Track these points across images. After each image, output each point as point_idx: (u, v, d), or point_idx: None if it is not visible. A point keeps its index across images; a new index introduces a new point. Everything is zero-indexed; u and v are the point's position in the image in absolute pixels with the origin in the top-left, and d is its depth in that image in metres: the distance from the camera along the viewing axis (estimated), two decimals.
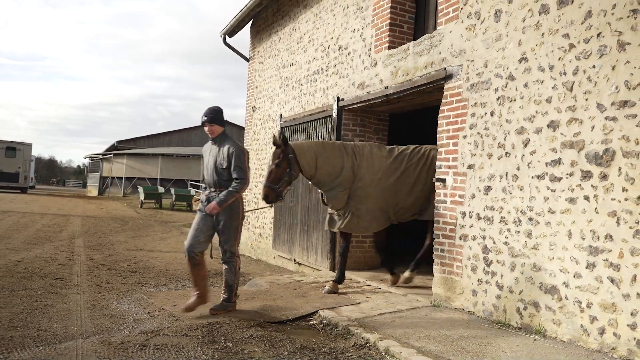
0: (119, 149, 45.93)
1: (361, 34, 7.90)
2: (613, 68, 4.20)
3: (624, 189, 4.05)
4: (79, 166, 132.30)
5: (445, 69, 5.99)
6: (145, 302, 6.01)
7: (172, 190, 27.19)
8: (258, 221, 11.58)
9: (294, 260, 9.33)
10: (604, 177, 4.21)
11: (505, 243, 5.11)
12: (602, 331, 4.15)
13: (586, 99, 4.40)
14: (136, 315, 5.37)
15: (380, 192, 6.51)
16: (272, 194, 6.14)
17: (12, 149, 33.05)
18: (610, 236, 4.13)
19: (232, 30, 12.57)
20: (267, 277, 7.89)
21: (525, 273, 4.87)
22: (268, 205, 6.38)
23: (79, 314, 5.28)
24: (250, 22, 12.50)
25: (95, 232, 13.91)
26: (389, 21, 7.28)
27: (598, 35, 4.33)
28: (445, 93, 6.01)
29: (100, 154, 46.93)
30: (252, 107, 12.31)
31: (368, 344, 4.55)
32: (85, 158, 53.33)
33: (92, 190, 44.77)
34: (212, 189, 5.45)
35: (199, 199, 5.62)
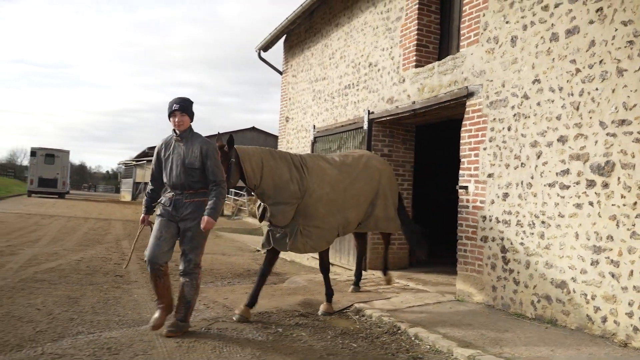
0: (149, 155, 47.31)
1: (390, 53, 8.61)
2: (613, 91, 4.84)
3: (622, 196, 4.68)
4: (107, 172, 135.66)
5: (467, 87, 6.67)
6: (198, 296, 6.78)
7: None
8: None
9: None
10: (605, 185, 4.85)
11: (521, 244, 5.76)
12: (604, 320, 4.78)
13: (590, 117, 5.04)
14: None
15: (329, 208, 5.96)
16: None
17: (51, 155, 34.49)
18: (611, 237, 4.76)
19: (267, 46, 13.39)
20: (304, 276, 8.63)
21: (539, 270, 5.51)
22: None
23: (146, 304, 6.07)
24: (284, 37, 13.30)
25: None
26: (415, 42, 7.97)
27: (600, 62, 4.97)
28: (467, 109, 6.68)
29: (133, 160, 48.38)
30: (285, 117, 13.10)
31: (399, 331, 5.24)
32: (119, 165, 54.87)
33: (126, 195, 46.22)
34: (177, 192, 4.83)
35: (159, 202, 4.98)
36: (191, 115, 4.91)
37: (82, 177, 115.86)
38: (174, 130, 4.90)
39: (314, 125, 11.12)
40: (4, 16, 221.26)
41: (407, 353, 4.57)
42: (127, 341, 4.50)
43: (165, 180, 4.93)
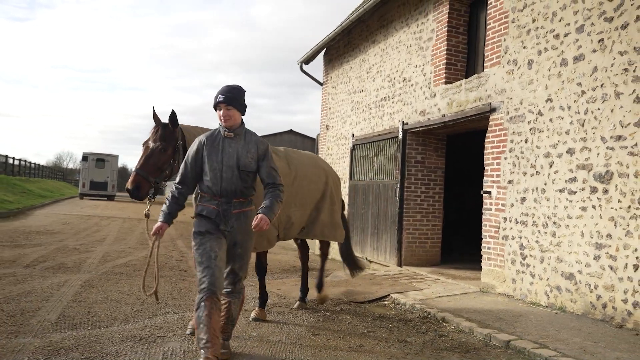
0: None
1: (422, 70, 9.51)
2: (612, 111, 5.66)
3: (619, 201, 5.51)
4: None
5: (490, 103, 7.54)
6: (254, 287, 7.82)
7: None
8: None
9: (366, 258, 11.01)
10: (605, 191, 5.68)
11: (537, 241, 6.61)
12: (604, 306, 5.61)
13: (593, 133, 5.87)
14: (253, 296, 7.19)
15: None
16: (145, 187, 4.44)
17: (101, 160, 36.45)
18: (610, 235, 5.59)
19: (308, 59, 14.43)
20: (346, 271, 9.61)
21: (551, 264, 6.36)
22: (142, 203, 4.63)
23: None
24: (323, 51, 14.32)
25: (189, 235, 16.06)
26: (445, 60, 8.86)
27: (601, 85, 5.80)
28: (490, 123, 7.55)
29: None
30: (325, 126, 14.11)
31: (429, 316, 6.17)
32: None
33: None
34: (223, 199, 4.03)
35: (199, 213, 4.10)
36: (242, 108, 4.10)
37: (124, 179, 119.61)
38: (219, 128, 4.15)
39: (353, 134, 12.09)
40: (43, 22, 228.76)
41: (434, 332, 5.50)
42: None
43: (208, 184, 4.01)
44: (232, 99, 4.03)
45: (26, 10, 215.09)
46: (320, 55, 14.61)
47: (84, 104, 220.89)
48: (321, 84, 14.68)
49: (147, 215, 4.51)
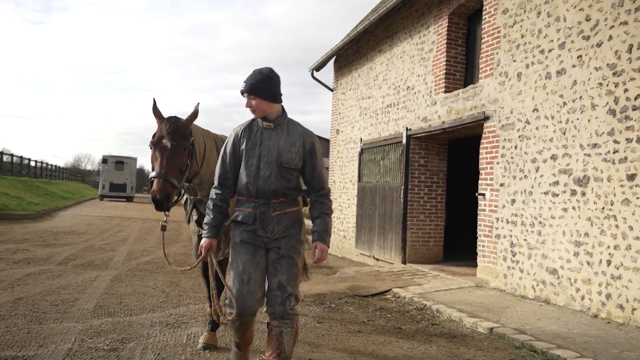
0: None
1: (424, 79, 10.12)
2: (589, 121, 6.25)
3: (594, 202, 6.09)
4: None
5: (484, 112, 8.13)
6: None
7: None
8: (342, 225, 13.98)
9: (373, 256, 11.64)
10: (583, 194, 6.26)
11: (525, 240, 7.20)
12: (582, 298, 6.19)
13: (573, 140, 6.46)
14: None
15: None
16: (173, 194, 3.76)
17: (120, 162, 37.48)
18: (587, 234, 6.17)
19: (318, 66, 15.09)
20: (353, 268, 10.26)
21: (537, 260, 6.95)
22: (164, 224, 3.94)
23: None
24: (334, 59, 14.98)
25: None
26: (444, 71, 9.47)
27: (580, 97, 6.39)
28: (484, 130, 8.15)
29: None
30: (336, 130, 14.76)
31: (425, 307, 6.80)
32: None
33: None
34: (261, 201, 3.38)
35: (234, 219, 3.47)
36: (270, 96, 3.39)
37: (142, 180, 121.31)
38: (255, 119, 3.50)
39: (361, 138, 12.73)
40: (59, 25, 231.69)
41: (428, 321, 6.13)
42: None
43: (243, 183, 3.39)
44: (255, 87, 3.34)
45: (42, 13, 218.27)
46: (331, 62, 15.26)
47: (100, 105, 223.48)
48: (331, 90, 15.33)
49: (164, 228, 3.91)
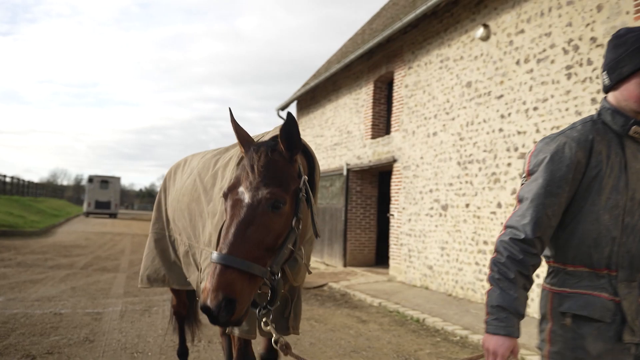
0: None
1: (359, 126, 13.42)
2: (448, 168, 9.56)
3: (450, 221, 9.38)
4: (141, 190, 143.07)
5: (393, 156, 11.43)
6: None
7: None
8: None
9: (324, 262, 14.82)
10: (445, 216, 9.56)
11: (416, 247, 10.47)
12: (445, 284, 9.46)
13: (441, 179, 9.76)
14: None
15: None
16: (247, 296, 2.04)
17: (105, 182, 40.19)
18: (447, 242, 9.46)
19: (283, 107, 18.36)
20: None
21: (422, 260, 10.21)
22: None
23: None
24: (296, 102, 18.24)
25: None
26: (371, 122, 12.77)
27: (443, 152, 9.70)
28: (393, 168, 11.44)
29: None
30: None
31: (347, 293, 9.98)
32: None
33: None
34: (624, 274, 1.91)
35: (570, 310, 1.89)
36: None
37: (126, 197, 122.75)
38: (602, 113, 2.00)
39: None
40: (28, 37, 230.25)
41: (345, 301, 9.32)
42: None
43: (594, 238, 1.90)
44: None
45: (8, 25, 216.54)
46: (294, 104, 18.54)
47: (73, 119, 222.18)
48: None
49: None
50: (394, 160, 11.43)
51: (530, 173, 1.95)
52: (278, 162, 2.21)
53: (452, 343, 6.47)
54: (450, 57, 9.69)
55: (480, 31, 8.69)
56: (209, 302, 1.91)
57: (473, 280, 8.71)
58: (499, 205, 8.18)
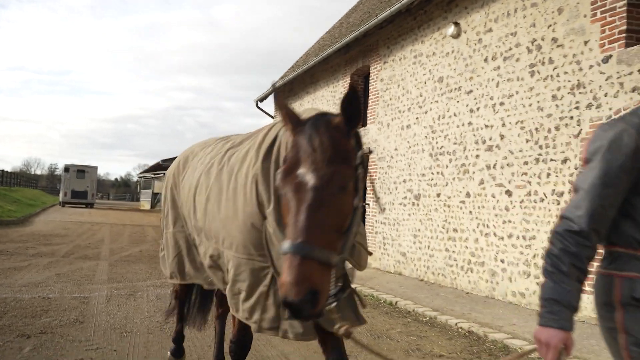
0: (164, 167, 52.58)
1: None
2: (421, 159, 10.01)
3: (422, 210, 9.84)
4: (116, 179, 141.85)
5: (369, 147, 11.83)
6: None
7: None
8: None
9: None
10: (417, 205, 10.02)
11: (390, 235, 10.93)
12: (417, 270, 9.93)
13: (414, 170, 10.20)
14: None
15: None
16: (327, 286, 1.91)
17: (82, 171, 39.94)
18: (419, 230, 9.92)
19: (262, 98, 18.64)
20: None
21: (395, 247, 10.67)
22: None
23: None
24: (273, 93, 18.52)
25: None
26: None
27: (417, 144, 10.14)
28: (370, 159, 11.85)
29: (152, 174, 53.80)
30: None
31: None
32: (140, 177, 60.28)
33: (145, 204, 51.58)
34: None
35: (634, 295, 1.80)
36: None
37: (102, 187, 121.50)
38: None
39: None
40: None
41: None
42: None
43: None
44: None
45: None
46: (272, 96, 18.80)
47: (46, 107, 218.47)
48: (273, 118, 18.87)
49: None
50: (370, 152, 11.80)
51: (587, 161, 1.89)
52: (338, 138, 2.09)
53: (421, 323, 6.94)
54: (423, 52, 10.12)
55: (451, 29, 9.13)
56: (293, 297, 1.76)
57: (443, 265, 9.20)
58: (468, 195, 8.65)
